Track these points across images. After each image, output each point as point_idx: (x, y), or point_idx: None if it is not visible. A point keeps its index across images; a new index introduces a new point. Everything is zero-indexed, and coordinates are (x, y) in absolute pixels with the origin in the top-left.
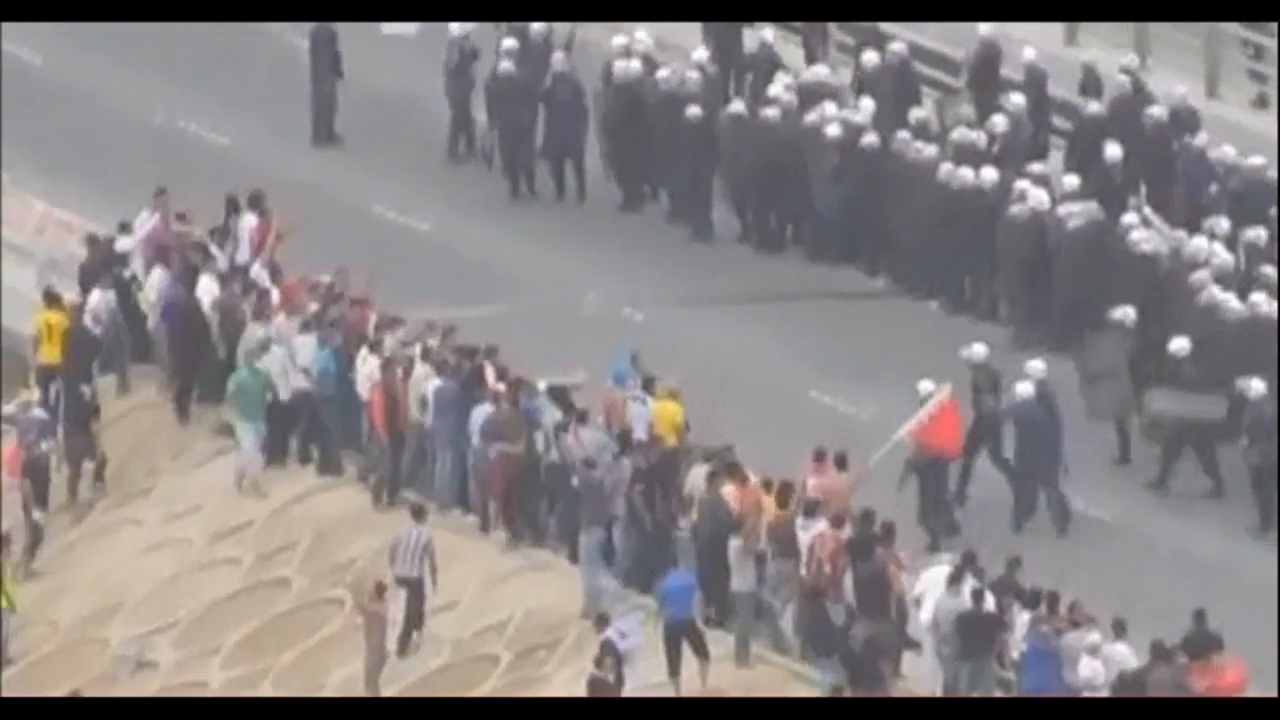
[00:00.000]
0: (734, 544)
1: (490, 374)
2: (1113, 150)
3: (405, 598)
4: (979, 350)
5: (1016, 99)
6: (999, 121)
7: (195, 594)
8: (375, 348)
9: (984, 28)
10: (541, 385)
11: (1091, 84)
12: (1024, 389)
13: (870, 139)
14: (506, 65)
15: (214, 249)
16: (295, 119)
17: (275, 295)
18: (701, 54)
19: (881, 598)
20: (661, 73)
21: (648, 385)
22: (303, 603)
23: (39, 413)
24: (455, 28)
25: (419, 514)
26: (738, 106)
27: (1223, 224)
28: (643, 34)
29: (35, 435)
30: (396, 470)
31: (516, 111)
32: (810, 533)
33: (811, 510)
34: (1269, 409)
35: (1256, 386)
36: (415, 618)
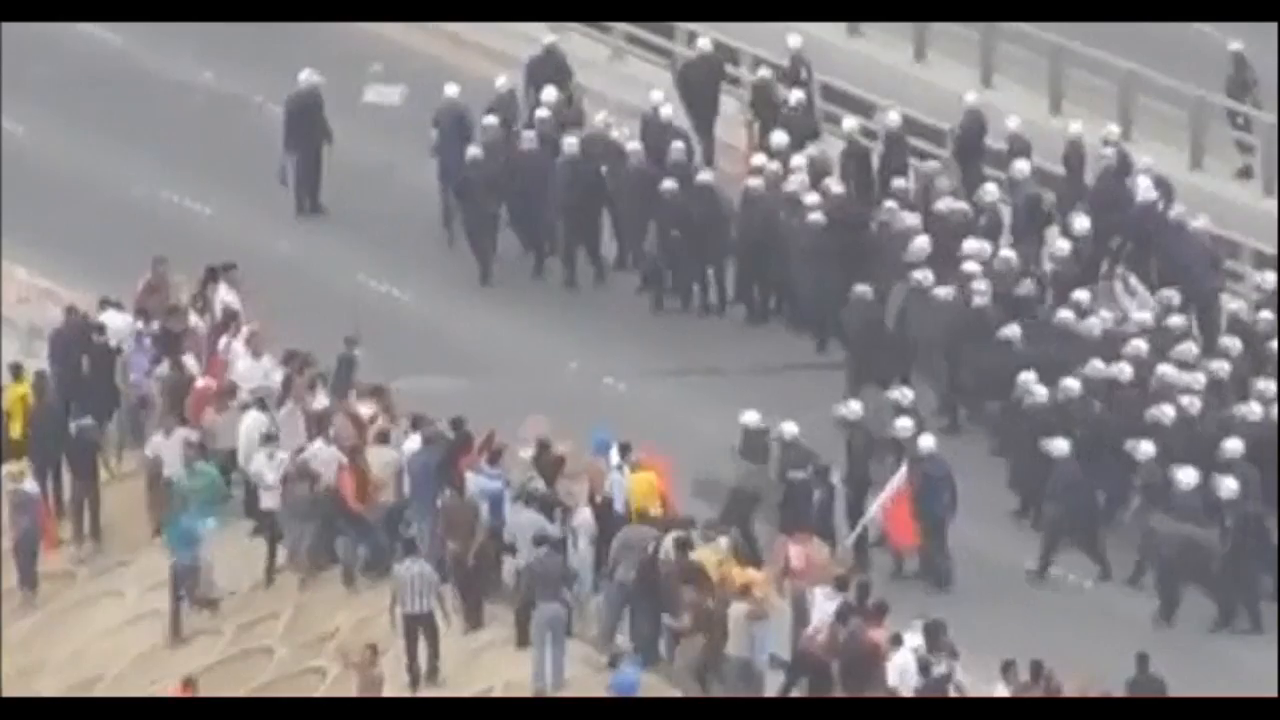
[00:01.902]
0: (736, 609)
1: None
2: (1081, 222)
3: (420, 633)
4: (854, 408)
5: (1021, 165)
6: (990, 191)
7: (175, 666)
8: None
9: (970, 97)
10: (524, 454)
11: (1075, 156)
12: (926, 443)
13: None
14: (474, 151)
15: (194, 318)
16: (278, 188)
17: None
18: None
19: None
20: (632, 145)
21: (624, 453)
22: (284, 673)
23: (29, 486)
24: (448, 92)
25: (411, 548)
26: (707, 175)
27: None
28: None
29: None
30: (377, 548)
31: (484, 198)
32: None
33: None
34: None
35: (1229, 485)
36: (433, 652)
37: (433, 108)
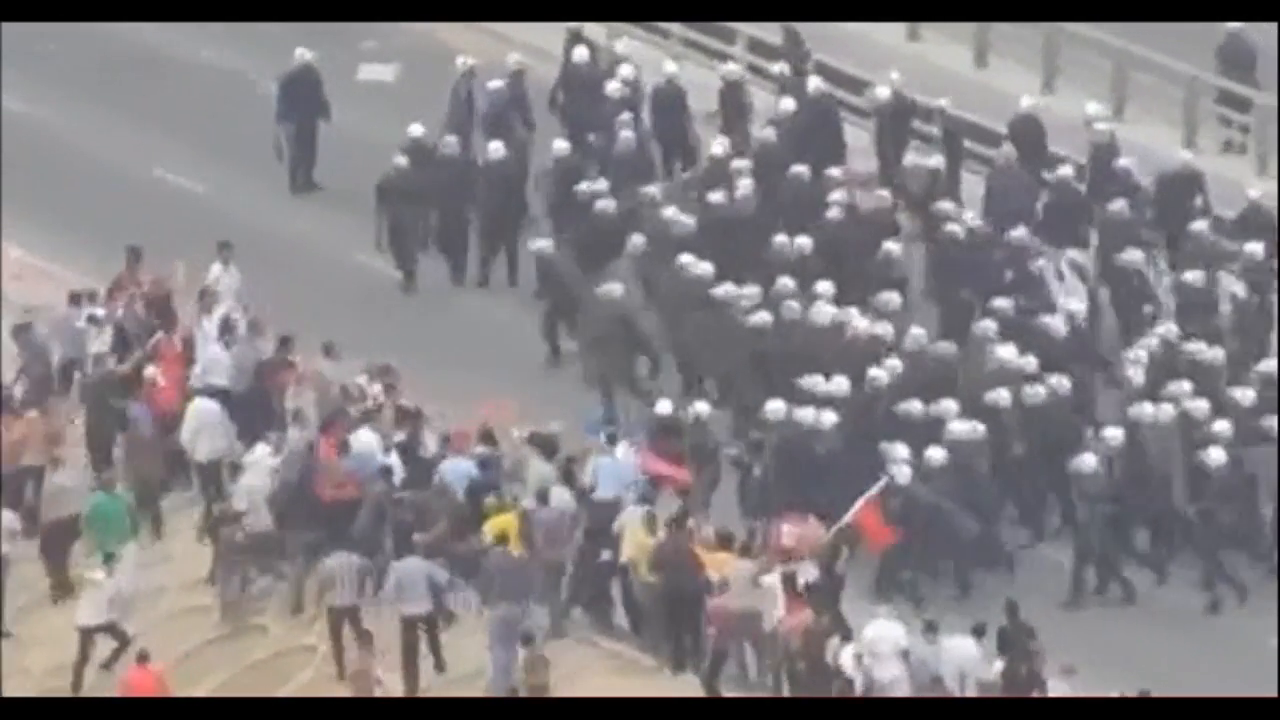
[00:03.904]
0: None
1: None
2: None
3: (347, 626)
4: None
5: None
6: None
7: (168, 643)
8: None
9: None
10: (516, 434)
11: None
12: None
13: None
14: (400, 161)
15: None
16: (273, 166)
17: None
18: None
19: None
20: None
21: (611, 439)
22: (278, 650)
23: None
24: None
25: (411, 549)
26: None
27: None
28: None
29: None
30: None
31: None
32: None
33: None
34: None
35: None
36: (435, 651)
37: (428, 85)
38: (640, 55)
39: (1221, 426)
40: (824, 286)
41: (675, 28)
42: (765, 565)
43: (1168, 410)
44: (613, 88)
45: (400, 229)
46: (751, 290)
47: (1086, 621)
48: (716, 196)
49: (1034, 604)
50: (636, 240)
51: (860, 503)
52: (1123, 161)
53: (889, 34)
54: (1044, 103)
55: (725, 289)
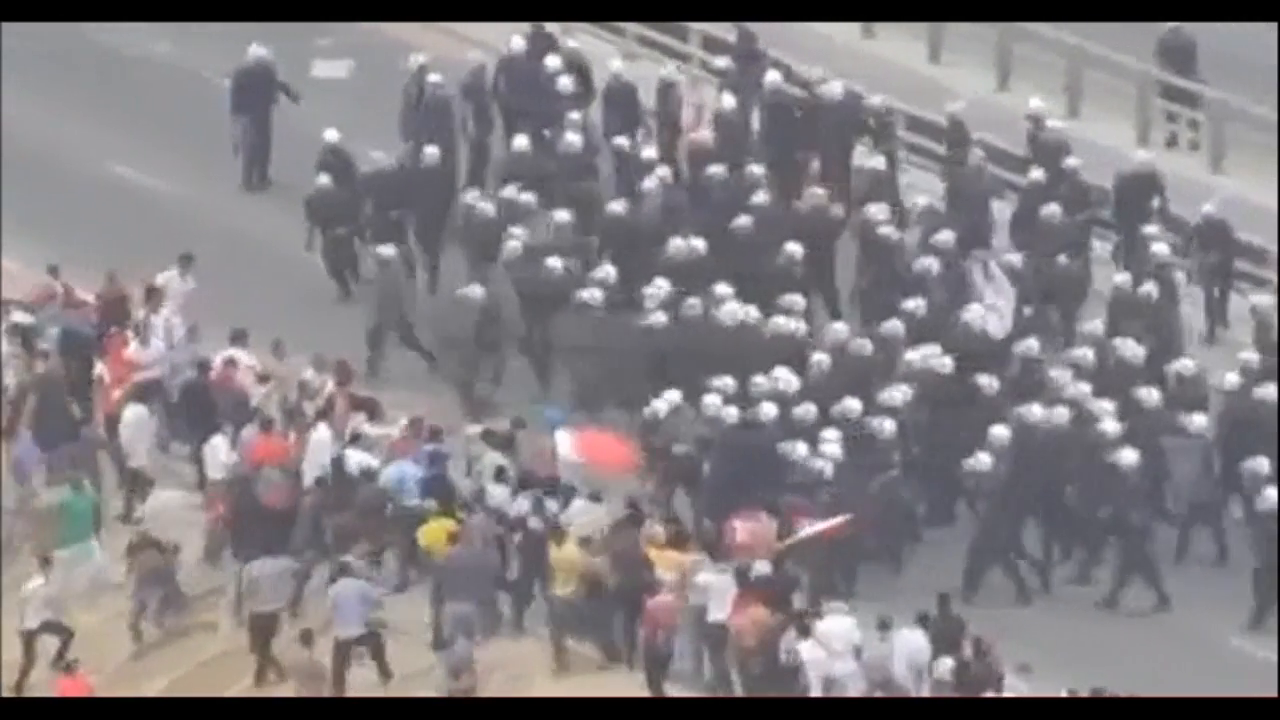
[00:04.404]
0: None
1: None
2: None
3: (266, 632)
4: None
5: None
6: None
7: (120, 641)
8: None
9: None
10: (470, 431)
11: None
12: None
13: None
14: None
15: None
16: (231, 163)
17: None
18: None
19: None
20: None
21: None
22: (226, 649)
23: None
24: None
25: (344, 571)
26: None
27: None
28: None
29: None
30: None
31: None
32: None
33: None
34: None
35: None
36: (379, 661)
37: (382, 81)
38: (593, 52)
39: (1113, 427)
40: (723, 289)
41: (630, 25)
42: (702, 562)
43: (1061, 412)
44: (563, 83)
45: (331, 242)
46: (652, 292)
47: (1045, 619)
48: (616, 207)
49: (996, 601)
50: (512, 245)
51: (819, 528)
52: (1072, 161)
53: (844, 31)
54: (998, 100)
55: (590, 293)
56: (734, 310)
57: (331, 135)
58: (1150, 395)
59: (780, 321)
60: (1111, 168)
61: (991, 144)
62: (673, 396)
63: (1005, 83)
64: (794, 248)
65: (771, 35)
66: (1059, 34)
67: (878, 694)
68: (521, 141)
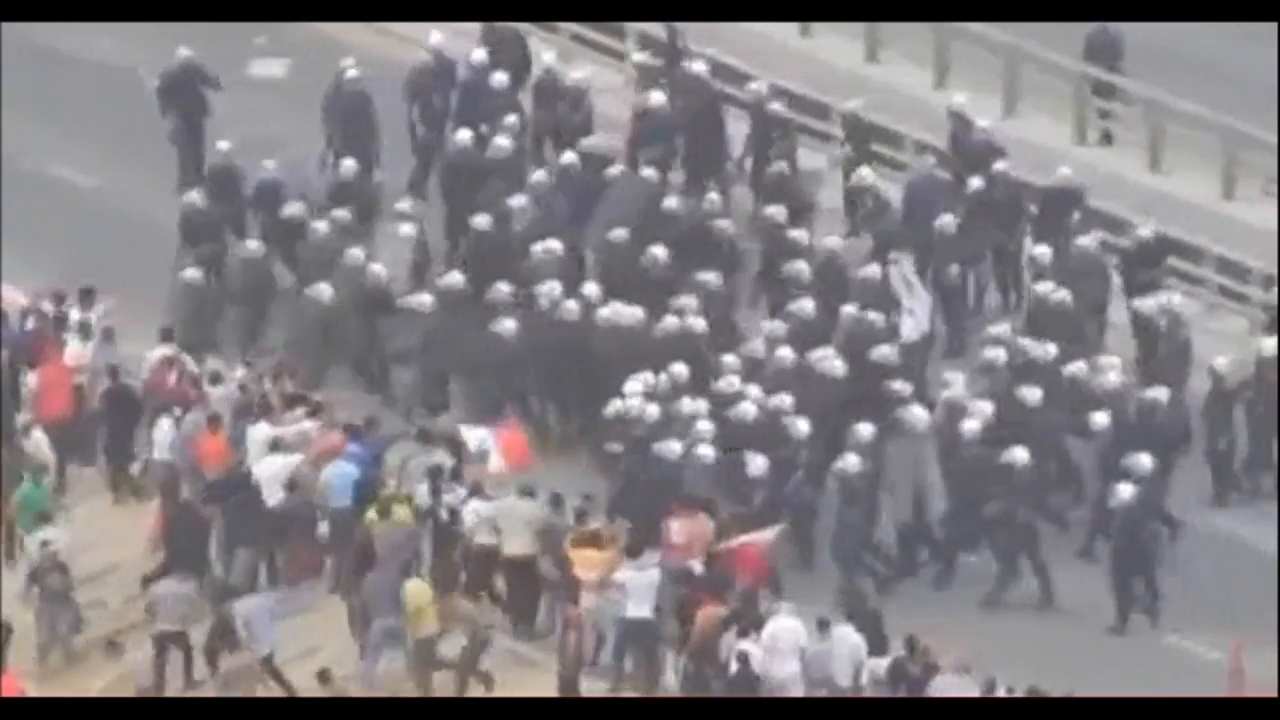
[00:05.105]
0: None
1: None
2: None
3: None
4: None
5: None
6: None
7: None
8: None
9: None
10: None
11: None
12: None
13: None
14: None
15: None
16: (165, 162)
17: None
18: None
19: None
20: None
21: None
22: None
23: None
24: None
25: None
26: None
27: None
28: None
29: None
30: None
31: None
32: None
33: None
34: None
35: (1123, 491)
36: (187, 668)
37: (319, 81)
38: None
39: (972, 426)
40: (591, 288)
41: (565, 24)
42: (616, 560)
43: (918, 413)
44: (498, 79)
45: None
46: (503, 291)
47: (982, 618)
48: (482, 220)
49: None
50: (354, 252)
51: (749, 539)
52: (1000, 166)
53: (780, 30)
54: (937, 99)
55: (419, 299)
56: (619, 311)
57: (223, 145)
58: (1033, 394)
59: (671, 322)
60: (1048, 168)
61: (930, 143)
62: (633, 388)
63: (943, 81)
64: (659, 251)
65: (709, 35)
66: (994, 33)
67: (821, 693)
68: (501, 145)
